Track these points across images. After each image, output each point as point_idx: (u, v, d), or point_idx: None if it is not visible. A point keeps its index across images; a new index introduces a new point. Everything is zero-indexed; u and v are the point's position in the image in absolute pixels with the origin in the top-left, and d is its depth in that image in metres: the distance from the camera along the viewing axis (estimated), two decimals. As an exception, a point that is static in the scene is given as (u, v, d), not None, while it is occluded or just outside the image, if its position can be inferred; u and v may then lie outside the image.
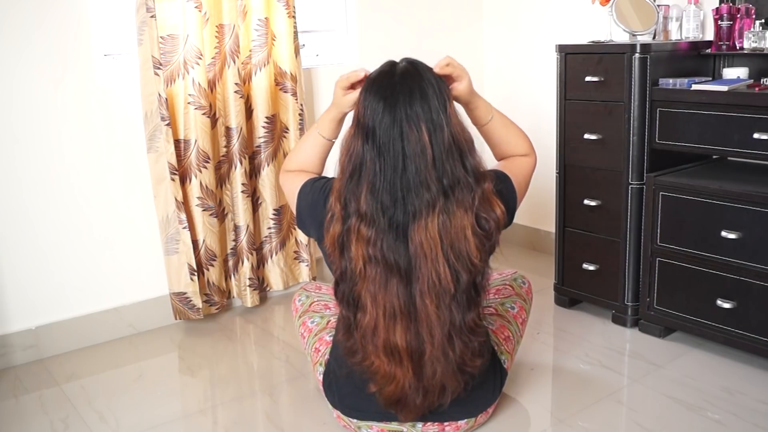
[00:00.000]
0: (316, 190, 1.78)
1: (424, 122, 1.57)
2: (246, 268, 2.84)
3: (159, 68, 2.51)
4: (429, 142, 1.57)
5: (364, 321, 1.63)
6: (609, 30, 2.70)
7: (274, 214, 2.90)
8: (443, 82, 1.67)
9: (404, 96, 1.59)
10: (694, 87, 2.34)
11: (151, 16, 2.46)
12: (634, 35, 2.63)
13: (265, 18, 2.73)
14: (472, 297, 1.65)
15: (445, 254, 1.58)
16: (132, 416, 2.13)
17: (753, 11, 2.49)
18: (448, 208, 1.59)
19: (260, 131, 2.82)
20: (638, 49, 2.39)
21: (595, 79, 2.52)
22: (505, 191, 1.75)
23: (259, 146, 2.83)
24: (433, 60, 1.72)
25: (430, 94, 1.60)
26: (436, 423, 1.82)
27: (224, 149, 2.75)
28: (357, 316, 1.65)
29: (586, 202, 2.65)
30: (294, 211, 1.86)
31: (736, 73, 2.45)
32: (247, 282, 2.85)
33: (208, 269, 2.76)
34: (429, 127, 1.57)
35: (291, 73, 2.80)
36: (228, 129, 2.74)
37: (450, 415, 1.82)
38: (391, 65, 1.67)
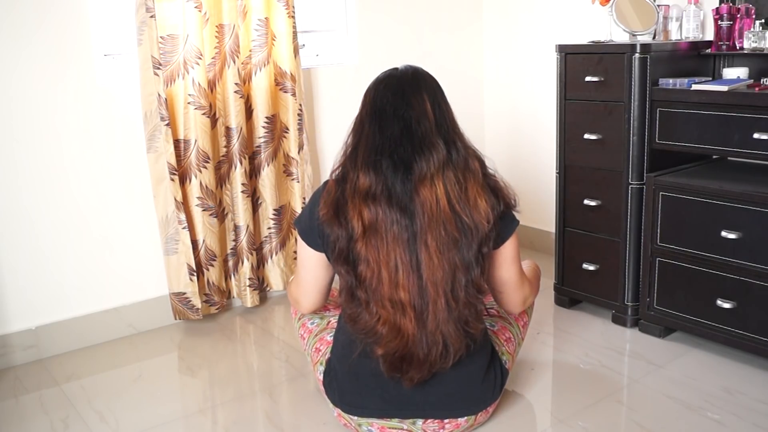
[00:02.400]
0: (311, 197, 1.82)
1: (427, 95, 1.68)
2: (246, 268, 2.84)
3: (159, 68, 2.51)
4: (431, 108, 1.67)
5: (367, 273, 1.64)
6: (609, 30, 2.70)
7: (274, 214, 2.90)
8: (439, 86, 1.76)
9: (407, 79, 1.71)
10: (694, 87, 2.34)
11: (151, 16, 2.46)
12: (634, 35, 2.63)
13: (265, 18, 2.73)
14: (477, 257, 1.66)
15: (452, 209, 1.62)
16: (132, 416, 2.13)
17: (753, 11, 2.49)
18: (456, 166, 1.65)
19: (260, 131, 2.82)
20: (638, 49, 2.39)
21: (595, 79, 2.52)
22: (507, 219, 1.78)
23: (259, 146, 2.83)
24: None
25: (433, 86, 1.72)
26: (437, 420, 1.82)
27: (224, 149, 2.75)
28: (359, 270, 1.65)
29: (586, 202, 2.65)
30: (299, 240, 1.83)
31: (736, 73, 2.45)
32: (247, 282, 2.85)
33: (207, 269, 2.76)
34: (430, 99, 1.69)
35: (291, 73, 2.80)
36: (228, 129, 2.74)
37: (450, 411, 1.82)
38: (393, 68, 1.77)
